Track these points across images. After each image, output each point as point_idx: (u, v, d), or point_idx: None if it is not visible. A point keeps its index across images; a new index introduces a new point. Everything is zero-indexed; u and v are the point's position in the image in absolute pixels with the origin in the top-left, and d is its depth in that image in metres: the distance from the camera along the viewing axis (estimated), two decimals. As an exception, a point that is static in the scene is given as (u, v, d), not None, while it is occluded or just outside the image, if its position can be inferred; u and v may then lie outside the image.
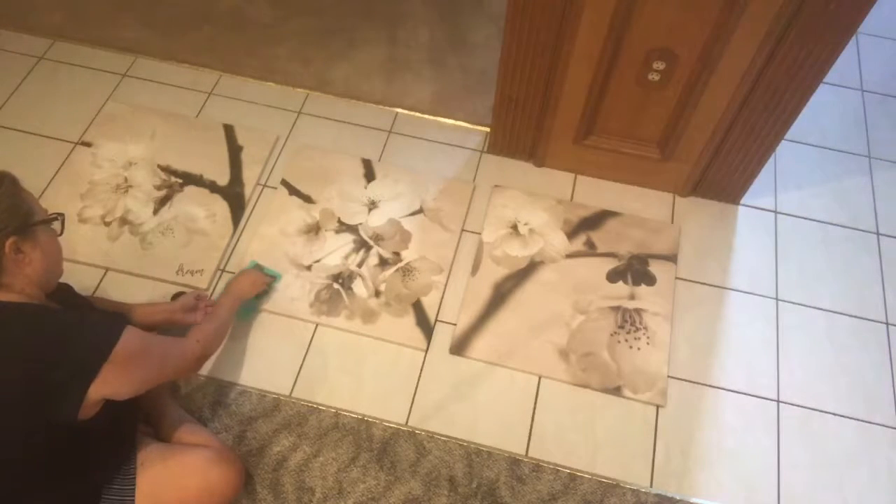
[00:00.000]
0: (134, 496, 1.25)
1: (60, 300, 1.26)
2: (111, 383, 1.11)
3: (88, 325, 1.12)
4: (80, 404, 1.08)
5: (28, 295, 1.15)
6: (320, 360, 1.67)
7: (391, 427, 1.59)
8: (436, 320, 1.74)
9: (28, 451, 1.11)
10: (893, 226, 1.98)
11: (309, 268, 1.80)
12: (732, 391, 1.68)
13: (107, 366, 1.09)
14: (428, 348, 1.70)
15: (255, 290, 1.68)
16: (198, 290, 1.72)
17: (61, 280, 1.29)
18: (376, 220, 1.90)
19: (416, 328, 1.72)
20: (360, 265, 1.82)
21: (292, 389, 1.63)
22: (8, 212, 1.12)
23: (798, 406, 1.66)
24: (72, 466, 1.18)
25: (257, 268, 1.77)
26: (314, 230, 1.88)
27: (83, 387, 1.08)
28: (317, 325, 1.72)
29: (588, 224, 1.92)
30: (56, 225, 1.23)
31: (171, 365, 1.27)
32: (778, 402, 1.67)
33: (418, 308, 1.76)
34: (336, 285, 1.78)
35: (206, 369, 1.63)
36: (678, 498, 1.53)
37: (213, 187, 1.95)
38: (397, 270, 1.81)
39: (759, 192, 1.99)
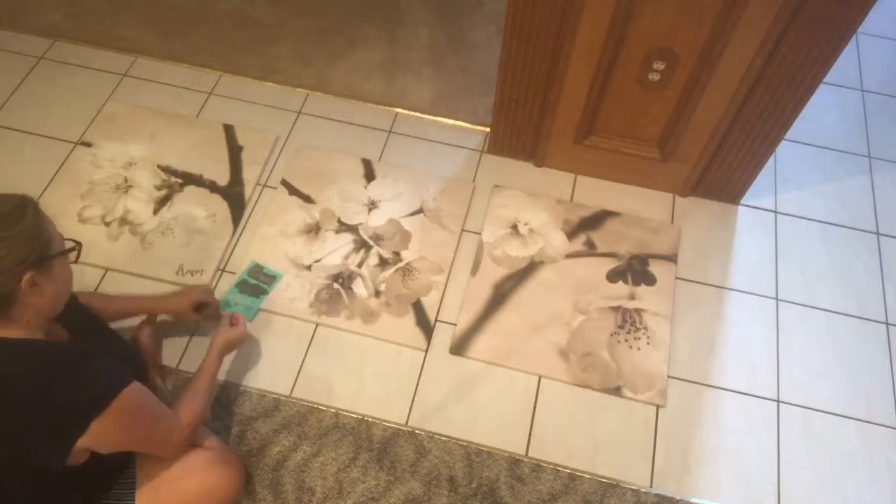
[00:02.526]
0: (133, 498, 1.25)
1: (72, 318, 1.23)
2: (99, 437, 1.08)
3: (88, 372, 1.08)
4: (68, 454, 1.06)
5: (34, 326, 1.11)
6: (320, 360, 1.68)
7: (391, 427, 1.59)
8: (436, 320, 1.74)
9: (26, 471, 1.10)
10: (893, 226, 1.98)
11: (309, 268, 1.81)
12: (732, 391, 1.68)
13: (99, 419, 1.06)
14: (428, 348, 1.70)
15: (236, 347, 1.56)
16: (207, 286, 1.71)
17: None
18: (376, 220, 1.90)
19: (416, 328, 1.72)
20: (360, 265, 1.82)
21: (292, 389, 1.63)
22: (28, 245, 1.06)
23: (798, 406, 1.66)
24: (70, 470, 1.17)
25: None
26: (314, 230, 1.88)
27: (72, 438, 1.05)
28: (317, 325, 1.72)
29: (588, 224, 1.92)
30: (72, 254, 1.18)
31: (157, 440, 1.23)
32: (778, 402, 1.67)
33: (418, 308, 1.76)
34: (336, 285, 1.78)
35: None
36: (678, 498, 1.53)
37: (213, 187, 1.95)
38: (397, 270, 1.81)
39: (759, 192, 1.99)
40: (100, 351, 1.15)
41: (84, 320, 1.33)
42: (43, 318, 1.14)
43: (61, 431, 1.06)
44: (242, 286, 1.75)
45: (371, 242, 1.86)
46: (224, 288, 1.76)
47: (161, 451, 1.27)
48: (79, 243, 1.19)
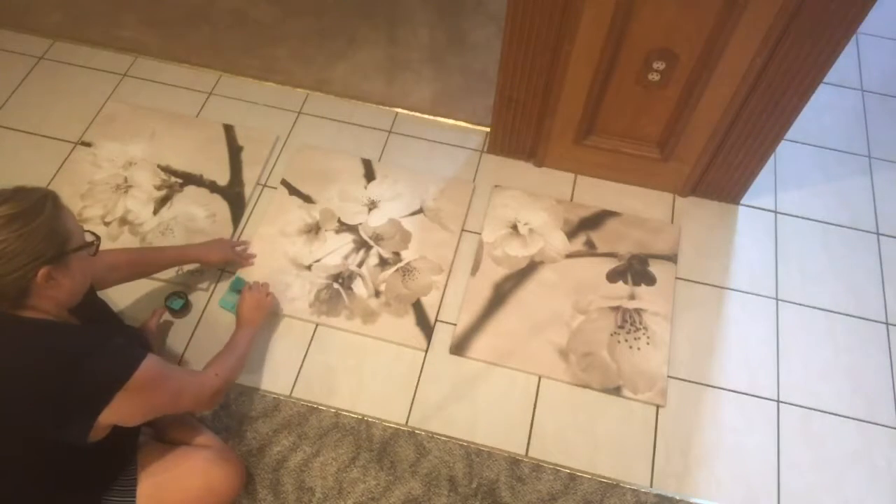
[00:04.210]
0: (135, 497, 1.25)
1: (82, 305, 1.23)
2: (122, 411, 1.10)
3: (108, 350, 1.10)
4: (90, 429, 1.07)
5: (53, 315, 1.13)
6: (320, 360, 1.68)
7: (391, 427, 1.59)
8: (436, 320, 1.74)
9: (31, 462, 1.11)
10: (893, 226, 1.98)
11: (309, 268, 1.81)
12: (732, 391, 1.68)
13: (120, 394, 1.08)
14: (428, 348, 1.70)
15: (262, 313, 1.62)
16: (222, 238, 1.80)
17: None
18: (376, 220, 1.90)
19: (416, 328, 1.72)
20: (360, 265, 1.82)
21: (292, 389, 1.63)
22: (46, 240, 1.07)
23: (798, 406, 1.66)
24: (72, 470, 1.17)
25: (237, 282, 1.75)
26: (314, 230, 1.88)
27: (94, 413, 1.07)
28: (317, 325, 1.72)
29: (588, 224, 1.92)
30: (91, 248, 1.19)
31: (188, 398, 1.25)
32: (778, 402, 1.67)
33: (418, 308, 1.76)
34: (336, 285, 1.78)
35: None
36: (678, 498, 1.53)
37: (213, 187, 1.95)
38: (397, 270, 1.81)
39: (759, 192, 1.99)
40: (115, 332, 1.17)
41: (94, 310, 1.34)
42: (60, 308, 1.15)
43: (84, 407, 1.07)
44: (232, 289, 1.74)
45: (371, 242, 1.86)
46: (222, 289, 1.76)
47: (198, 408, 1.39)
48: (97, 237, 1.20)
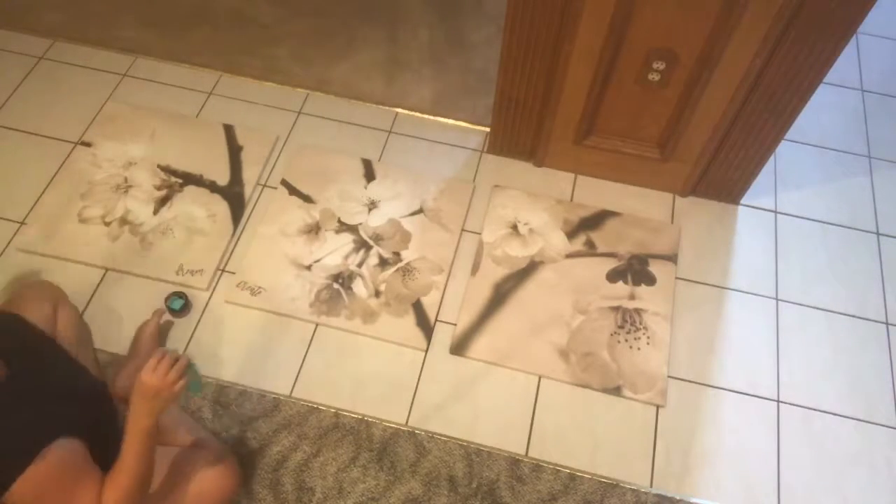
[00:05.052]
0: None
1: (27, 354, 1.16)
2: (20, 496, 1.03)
3: (11, 426, 1.04)
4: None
5: None
6: (320, 360, 1.68)
7: (391, 427, 1.59)
8: (436, 320, 1.74)
9: None
10: (893, 226, 1.98)
11: (309, 268, 1.81)
12: (732, 391, 1.68)
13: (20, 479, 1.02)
14: (428, 348, 1.70)
15: (158, 404, 1.14)
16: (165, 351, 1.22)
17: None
18: (376, 220, 1.90)
19: (416, 328, 1.72)
20: (360, 265, 1.82)
21: (292, 389, 1.63)
22: None
23: (798, 406, 1.66)
24: None
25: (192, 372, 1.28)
26: (314, 230, 1.88)
27: None
28: (317, 325, 1.72)
29: (588, 224, 1.92)
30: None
31: None
32: (778, 402, 1.67)
33: (418, 308, 1.76)
34: (336, 285, 1.78)
35: (207, 370, 1.63)
36: (678, 498, 1.53)
37: (213, 187, 1.95)
38: (397, 270, 1.81)
39: (759, 192, 1.99)
40: (34, 394, 1.09)
41: (27, 349, 1.25)
42: None
43: None
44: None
45: (371, 242, 1.86)
46: (223, 289, 1.76)
47: None
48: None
